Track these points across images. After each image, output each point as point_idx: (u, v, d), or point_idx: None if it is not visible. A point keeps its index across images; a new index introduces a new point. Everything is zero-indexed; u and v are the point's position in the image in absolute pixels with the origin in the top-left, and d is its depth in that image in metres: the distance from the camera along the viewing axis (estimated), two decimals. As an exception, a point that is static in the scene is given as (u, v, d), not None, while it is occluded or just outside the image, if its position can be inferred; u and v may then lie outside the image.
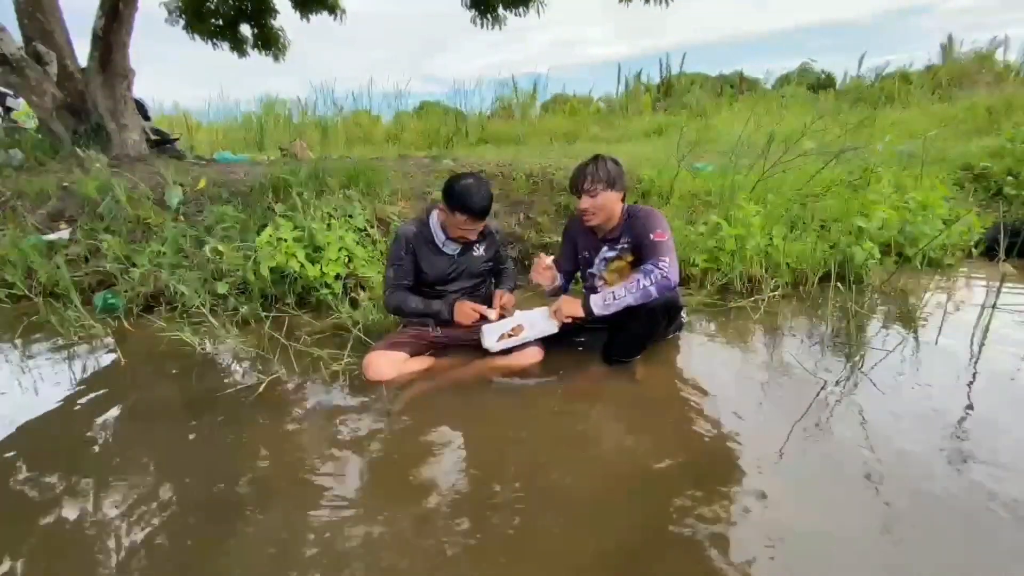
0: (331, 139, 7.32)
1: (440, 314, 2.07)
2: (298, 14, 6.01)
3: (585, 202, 2.01)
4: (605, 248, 2.14)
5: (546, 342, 2.11)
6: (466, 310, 2.06)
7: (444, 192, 1.97)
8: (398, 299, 2.07)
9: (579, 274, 2.33)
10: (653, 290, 1.86)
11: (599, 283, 2.18)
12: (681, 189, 3.68)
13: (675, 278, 1.88)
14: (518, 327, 2.06)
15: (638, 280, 1.87)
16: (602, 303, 1.89)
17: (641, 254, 1.98)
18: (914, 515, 1.24)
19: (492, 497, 1.36)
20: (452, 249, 2.10)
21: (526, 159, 4.56)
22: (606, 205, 2.02)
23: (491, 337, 2.03)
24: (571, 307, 1.97)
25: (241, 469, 1.52)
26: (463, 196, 1.91)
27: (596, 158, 2.04)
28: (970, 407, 1.68)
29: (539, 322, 2.08)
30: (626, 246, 2.08)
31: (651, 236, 1.94)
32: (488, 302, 2.26)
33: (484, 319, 2.10)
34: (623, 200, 2.09)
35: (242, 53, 6.29)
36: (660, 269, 1.86)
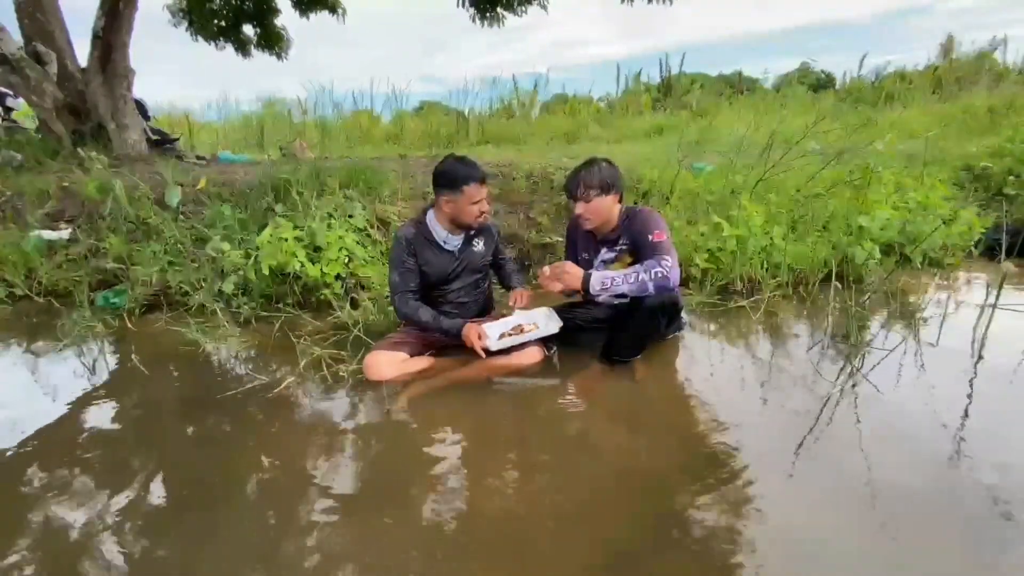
0: (331, 139, 7.32)
1: (449, 333, 2.02)
2: (298, 13, 6.02)
3: (579, 207, 2.03)
4: (604, 250, 2.15)
5: (545, 342, 2.12)
6: (472, 335, 1.97)
7: (439, 180, 1.97)
8: (411, 310, 2.03)
9: None
10: (650, 286, 1.86)
11: None
12: (681, 189, 3.68)
13: (675, 279, 1.88)
14: (519, 327, 2.06)
15: (638, 272, 1.87)
16: (600, 284, 1.90)
17: (641, 255, 1.97)
18: (914, 515, 1.24)
19: (491, 497, 1.36)
20: (454, 245, 2.10)
21: (526, 159, 4.56)
22: (600, 209, 2.03)
23: (491, 335, 2.03)
24: (571, 279, 1.95)
25: (241, 468, 1.52)
26: (460, 169, 1.95)
27: (590, 162, 2.04)
28: (971, 407, 1.68)
29: (540, 321, 2.08)
30: (624, 247, 2.08)
31: (650, 237, 1.94)
32: (489, 299, 2.29)
33: (486, 351, 2.02)
34: (620, 202, 2.09)
35: (246, 53, 6.31)
36: (662, 267, 1.85)
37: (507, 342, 2.00)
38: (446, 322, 2.02)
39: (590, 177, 2.00)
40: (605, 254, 2.15)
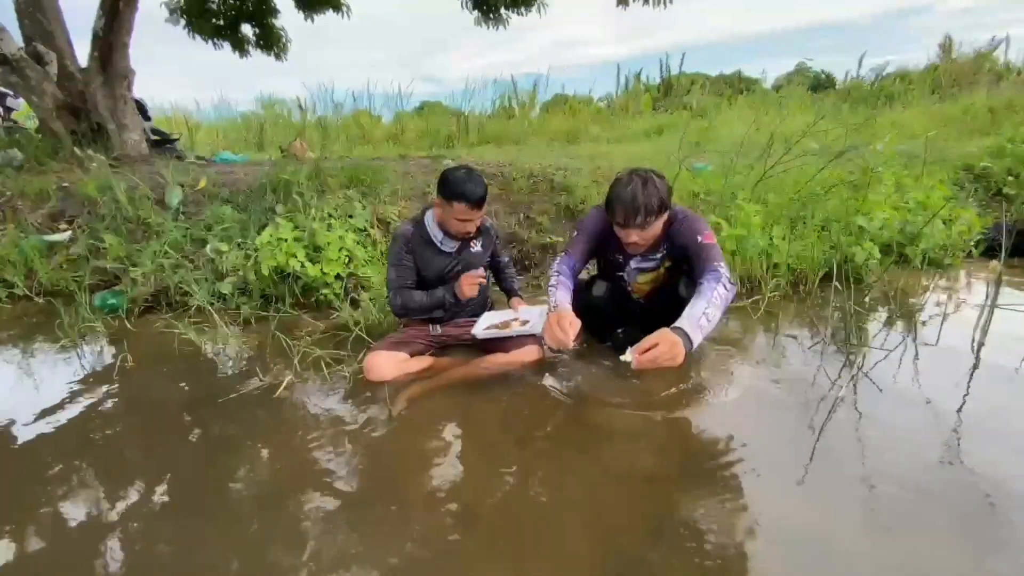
0: (331, 139, 7.32)
1: (445, 300, 2.06)
2: (302, 14, 6.01)
3: (633, 235, 1.77)
4: (639, 258, 2.00)
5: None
6: (468, 282, 2.03)
7: (440, 184, 1.99)
8: (403, 298, 2.06)
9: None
10: (731, 297, 1.68)
11: (627, 288, 2.10)
12: (681, 189, 3.68)
13: (735, 284, 1.74)
14: (506, 322, 2.09)
15: (714, 290, 1.63)
16: (700, 335, 1.53)
17: (693, 262, 1.80)
18: (914, 515, 1.24)
19: (491, 497, 1.36)
20: (450, 247, 2.11)
21: (526, 159, 4.56)
22: (656, 232, 1.83)
23: (480, 325, 2.08)
24: (674, 353, 1.46)
25: (242, 469, 1.52)
26: (459, 185, 1.94)
27: (645, 182, 1.73)
28: (970, 407, 1.68)
29: (535, 319, 2.09)
30: (664, 254, 1.96)
31: (699, 239, 1.77)
32: (487, 299, 2.31)
33: (486, 317, 2.13)
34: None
35: (244, 53, 6.30)
36: (724, 275, 1.67)
37: (492, 333, 2.04)
38: (439, 291, 2.07)
39: (650, 201, 1.70)
40: (641, 263, 2.01)
